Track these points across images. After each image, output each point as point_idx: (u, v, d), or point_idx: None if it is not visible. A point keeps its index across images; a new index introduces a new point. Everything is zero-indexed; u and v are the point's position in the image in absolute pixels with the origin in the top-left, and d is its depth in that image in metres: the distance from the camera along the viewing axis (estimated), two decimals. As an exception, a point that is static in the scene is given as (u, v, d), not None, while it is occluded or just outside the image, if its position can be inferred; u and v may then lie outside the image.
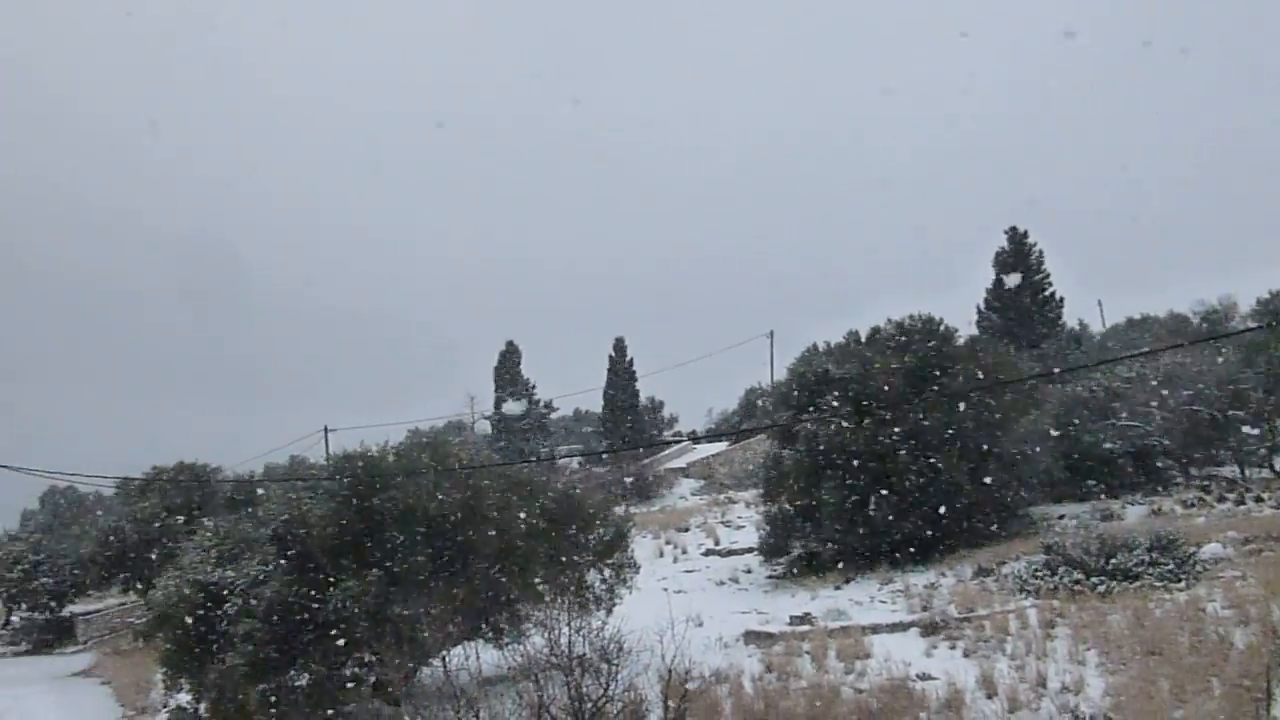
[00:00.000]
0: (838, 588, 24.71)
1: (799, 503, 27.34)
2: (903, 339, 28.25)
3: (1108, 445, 29.60)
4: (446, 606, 16.90)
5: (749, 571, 29.04)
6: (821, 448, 26.73)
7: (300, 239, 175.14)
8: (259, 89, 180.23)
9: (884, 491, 25.50)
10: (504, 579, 19.57)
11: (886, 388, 26.28)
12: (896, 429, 25.92)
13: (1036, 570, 21.47)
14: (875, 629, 19.60)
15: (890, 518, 25.29)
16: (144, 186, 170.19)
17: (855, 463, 26.08)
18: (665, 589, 26.52)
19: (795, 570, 27.63)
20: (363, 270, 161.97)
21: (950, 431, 25.65)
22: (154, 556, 36.45)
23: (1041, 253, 56.86)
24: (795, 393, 30.08)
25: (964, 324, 31.45)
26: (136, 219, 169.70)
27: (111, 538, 40.72)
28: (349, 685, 19.97)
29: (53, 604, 47.37)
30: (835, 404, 27.11)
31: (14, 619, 49.06)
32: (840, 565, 26.15)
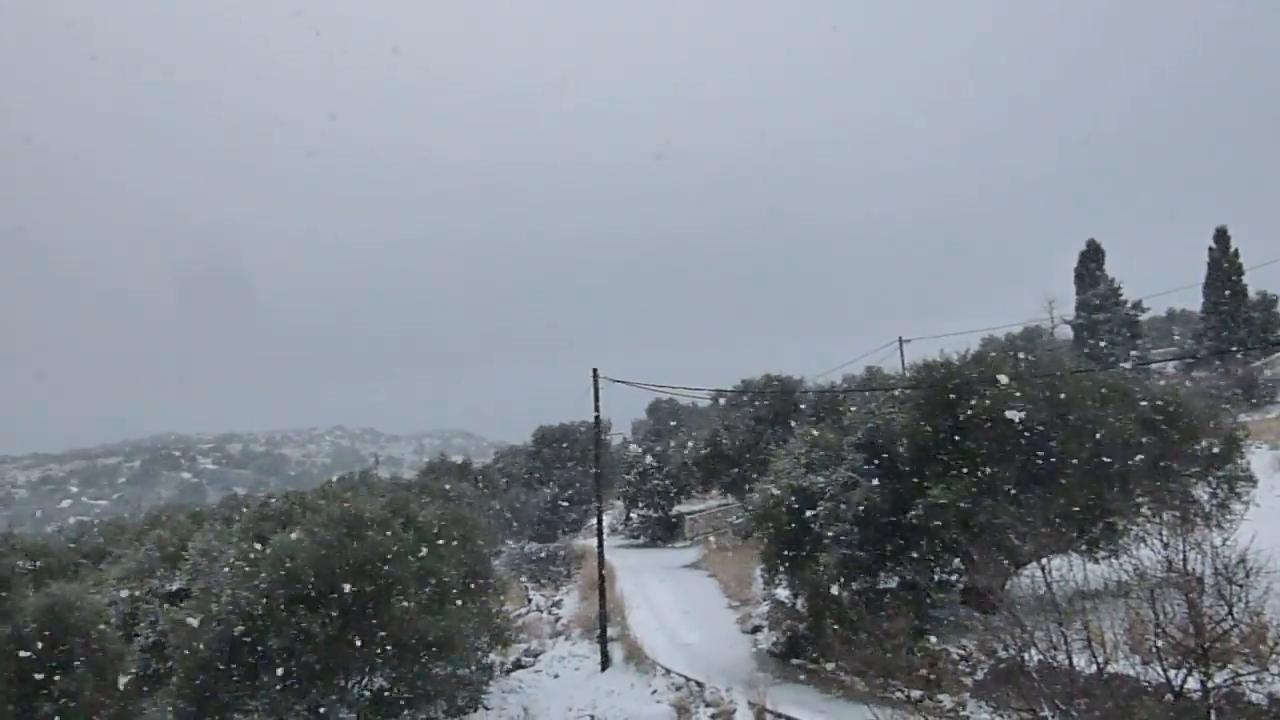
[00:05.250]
0: None
1: None
2: None
3: None
4: (1037, 516, 16.33)
5: (1402, 488, 24.81)
6: None
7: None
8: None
9: None
10: (1098, 490, 18.54)
11: None
12: None
13: None
14: None
15: None
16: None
17: None
18: (1290, 506, 23.67)
19: None
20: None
21: None
22: (748, 462, 39.41)
23: None
24: None
25: None
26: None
27: (710, 445, 44.52)
28: (938, 590, 20.27)
29: (663, 504, 53.35)
30: None
31: (633, 516, 55.87)
32: None
